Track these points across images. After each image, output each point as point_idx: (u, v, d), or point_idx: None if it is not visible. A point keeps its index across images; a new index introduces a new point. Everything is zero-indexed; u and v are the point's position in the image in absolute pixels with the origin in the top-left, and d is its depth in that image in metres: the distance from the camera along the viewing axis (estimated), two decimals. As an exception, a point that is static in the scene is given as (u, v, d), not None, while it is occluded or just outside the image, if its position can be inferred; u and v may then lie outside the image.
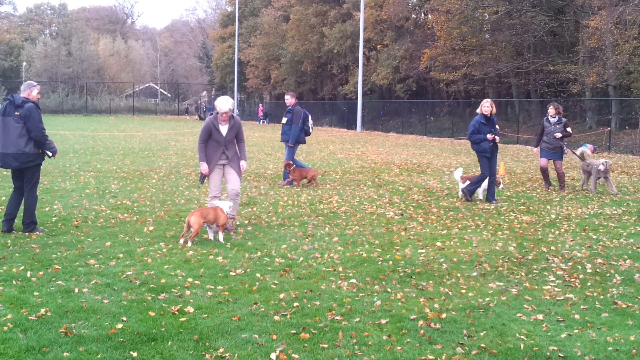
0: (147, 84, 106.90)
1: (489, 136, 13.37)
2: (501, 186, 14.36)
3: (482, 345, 5.58)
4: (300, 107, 16.15)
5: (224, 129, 10.25)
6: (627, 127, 34.57)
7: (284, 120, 16.35)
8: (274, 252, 8.83)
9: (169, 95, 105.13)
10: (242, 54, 70.94)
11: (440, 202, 13.61)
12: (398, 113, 50.33)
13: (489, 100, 13.88)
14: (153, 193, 14.34)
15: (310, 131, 16.31)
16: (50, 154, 9.84)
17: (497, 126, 13.73)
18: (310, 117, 16.34)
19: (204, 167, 10.29)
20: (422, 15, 51.74)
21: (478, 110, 13.70)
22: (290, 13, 60.80)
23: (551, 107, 15.52)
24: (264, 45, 66.01)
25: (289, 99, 16.16)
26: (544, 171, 15.79)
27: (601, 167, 14.89)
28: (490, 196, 13.68)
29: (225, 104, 10.13)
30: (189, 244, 9.18)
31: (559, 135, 15.09)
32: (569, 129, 15.38)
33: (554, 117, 15.33)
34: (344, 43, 53.33)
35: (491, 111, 13.51)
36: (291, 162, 15.90)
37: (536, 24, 38.72)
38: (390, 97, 55.31)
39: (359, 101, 48.30)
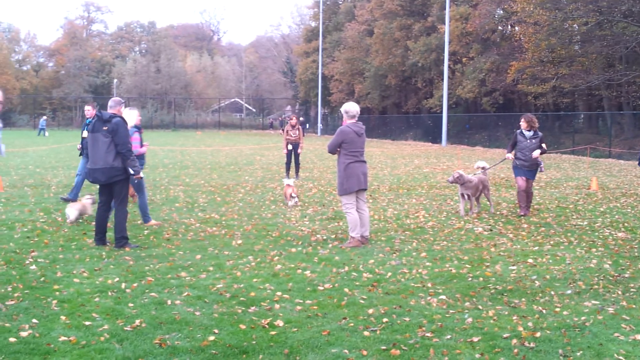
0: (233, 99, 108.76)
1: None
2: None
3: (580, 366, 5.40)
4: None
5: None
6: None
7: None
8: (362, 267, 8.79)
9: (254, 110, 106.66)
10: (326, 68, 71.37)
11: (531, 217, 13.30)
12: (484, 127, 49.62)
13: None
14: (240, 207, 14.52)
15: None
16: (132, 172, 9.93)
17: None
18: None
19: None
20: (509, 27, 50.91)
21: None
22: (374, 27, 60.81)
23: (522, 119, 13.80)
24: (348, 59, 66.24)
25: None
26: (522, 191, 13.61)
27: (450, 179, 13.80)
28: None
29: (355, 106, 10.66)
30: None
31: (536, 154, 13.37)
32: (544, 145, 13.63)
33: (529, 131, 13.61)
34: (429, 56, 53.01)
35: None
36: None
37: (628, 34, 37.50)
38: (476, 110, 54.60)
39: (444, 115, 47.87)
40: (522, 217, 13.19)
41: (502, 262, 9.19)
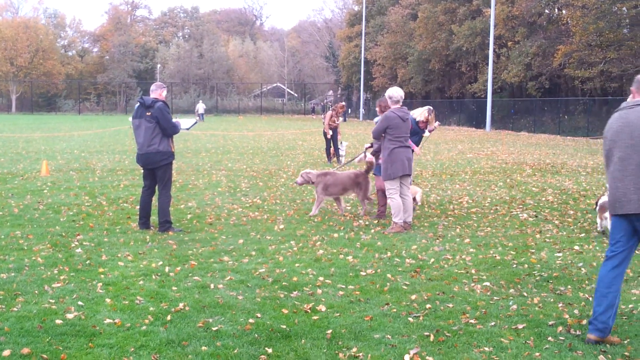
0: (275, 84, 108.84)
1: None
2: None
3: (626, 354, 5.29)
4: None
5: None
6: None
7: None
8: (404, 253, 8.73)
9: (296, 95, 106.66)
10: (368, 53, 71.01)
11: (578, 204, 13.09)
12: (529, 112, 48.91)
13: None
14: (282, 192, 14.54)
15: None
16: (188, 127, 10.94)
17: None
18: None
19: None
20: (556, 10, 49.97)
21: None
22: (418, 11, 60.27)
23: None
24: (391, 44, 65.81)
25: None
26: (379, 190, 11.49)
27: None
28: None
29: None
30: None
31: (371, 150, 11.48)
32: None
33: (379, 116, 11.01)
34: (473, 40, 52.33)
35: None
36: None
37: (679, 17, 36.58)
38: (522, 95, 53.82)
39: (489, 99, 47.32)
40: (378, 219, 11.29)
41: (547, 248, 9.06)
